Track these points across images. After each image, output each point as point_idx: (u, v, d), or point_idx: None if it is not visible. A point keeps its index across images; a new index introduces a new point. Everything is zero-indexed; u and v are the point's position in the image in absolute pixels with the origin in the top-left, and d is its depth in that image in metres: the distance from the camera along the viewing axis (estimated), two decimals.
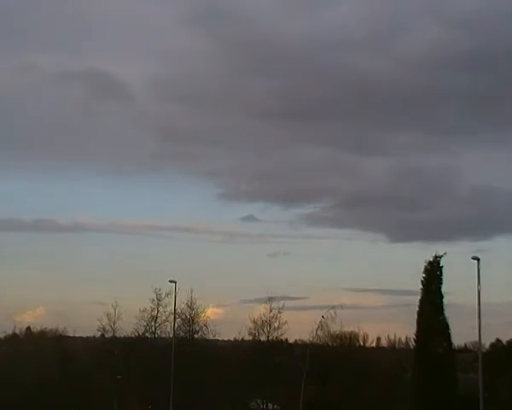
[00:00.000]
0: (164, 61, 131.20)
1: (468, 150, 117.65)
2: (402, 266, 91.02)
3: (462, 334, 67.99)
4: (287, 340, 66.84)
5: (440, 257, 51.35)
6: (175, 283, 57.27)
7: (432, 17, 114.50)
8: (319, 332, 58.45)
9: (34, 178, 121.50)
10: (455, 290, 59.95)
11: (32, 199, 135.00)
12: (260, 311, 62.97)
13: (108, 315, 69.95)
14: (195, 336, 65.21)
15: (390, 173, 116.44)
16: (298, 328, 65.64)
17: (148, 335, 66.69)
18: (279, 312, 62.12)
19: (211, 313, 67.13)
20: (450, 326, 50.77)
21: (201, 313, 64.55)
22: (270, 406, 65.28)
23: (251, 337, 64.78)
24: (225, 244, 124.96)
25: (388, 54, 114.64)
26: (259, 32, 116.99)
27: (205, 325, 64.64)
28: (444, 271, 51.38)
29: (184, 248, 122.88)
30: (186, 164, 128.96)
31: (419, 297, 51.35)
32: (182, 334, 64.33)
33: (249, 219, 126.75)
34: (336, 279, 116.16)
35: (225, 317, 79.82)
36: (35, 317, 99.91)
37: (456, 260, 58.58)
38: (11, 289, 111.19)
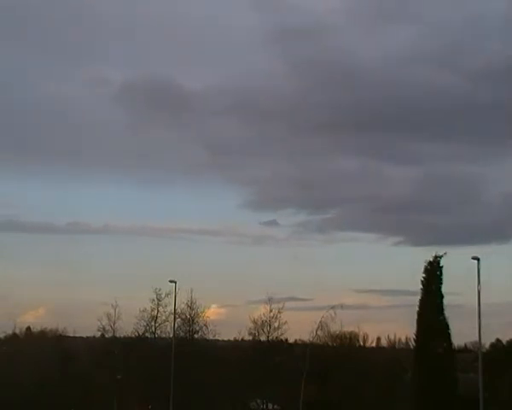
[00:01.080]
0: (228, 74, 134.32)
1: (496, 160, 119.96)
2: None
3: (462, 334, 67.99)
4: (287, 340, 66.89)
5: (440, 257, 51.40)
6: (175, 283, 57.37)
7: None
8: (319, 332, 58.67)
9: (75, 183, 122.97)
10: (455, 290, 60.17)
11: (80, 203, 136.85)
12: (261, 311, 63.06)
13: (108, 315, 70.06)
14: (195, 336, 65.24)
15: (419, 181, 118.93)
16: (300, 328, 65.51)
17: (148, 335, 66.71)
18: (279, 312, 62.21)
19: (212, 312, 67.22)
20: (450, 326, 50.93)
21: (201, 312, 64.69)
22: (270, 406, 65.29)
23: (251, 337, 64.85)
24: (245, 247, 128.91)
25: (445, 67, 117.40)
26: (322, 48, 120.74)
27: (205, 325, 64.72)
28: (444, 271, 51.52)
29: (208, 250, 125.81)
30: (225, 173, 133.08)
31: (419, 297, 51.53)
32: (182, 334, 64.35)
33: (273, 223, 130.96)
34: (351, 281, 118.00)
35: (233, 317, 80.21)
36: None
37: (456, 261, 58.58)
38: (45, 290, 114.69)
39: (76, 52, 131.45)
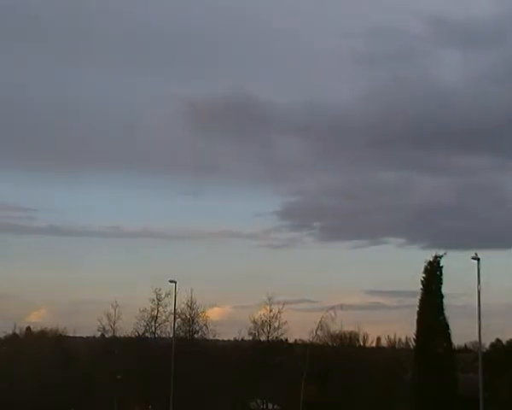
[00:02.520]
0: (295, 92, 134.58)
1: None
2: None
3: (462, 334, 67.94)
4: (287, 340, 66.91)
5: (440, 257, 51.36)
6: (175, 283, 57.40)
7: None
8: (319, 332, 58.64)
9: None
10: (455, 290, 60.21)
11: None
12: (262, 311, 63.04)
13: (108, 315, 70.09)
14: (195, 336, 65.26)
15: (451, 190, 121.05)
16: (302, 328, 65.34)
17: (148, 335, 66.74)
18: (279, 312, 62.22)
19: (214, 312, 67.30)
20: (450, 326, 50.92)
21: (202, 312, 64.77)
22: (270, 406, 65.30)
23: (251, 337, 64.86)
24: (276, 250, 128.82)
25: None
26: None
27: (205, 325, 64.77)
28: (444, 271, 51.51)
29: (240, 252, 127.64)
30: (277, 185, 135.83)
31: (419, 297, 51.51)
32: (182, 334, 64.38)
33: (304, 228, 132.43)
34: (368, 283, 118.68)
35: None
36: None
37: (457, 261, 58.58)
38: (46, 290, 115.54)
39: (155, 67, 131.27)
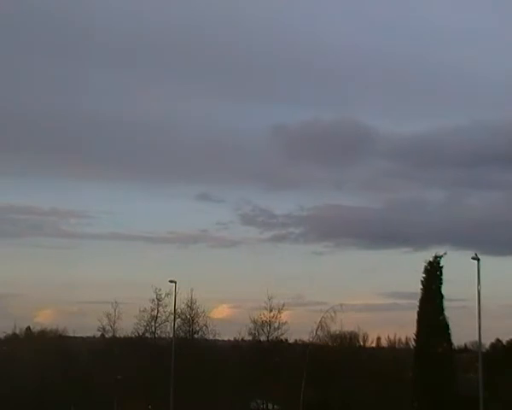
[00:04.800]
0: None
1: None
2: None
3: (462, 334, 68.03)
4: (287, 340, 66.83)
5: (440, 257, 51.44)
6: (175, 283, 57.37)
7: None
8: (319, 332, 58.64)
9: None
10: (455, 290, 60.19)
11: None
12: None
13: (108, 315, 70.09)
14: (195, 336, 65.24)
15: (493, 204, 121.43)
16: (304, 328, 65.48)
17: (148, 335, 66.73)
18: (279, 312, 62.18)
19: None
20: (450, 326, 50.95)
21: (202, 312, 64.76)
22: (270, 406, 65.23)
23: (251, 337, 64.81)
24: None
25: None
26: None
27: (205, 325, 64.76)
28: (444, 271, 51.54)
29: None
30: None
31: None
32: (182, 334, 64.36)
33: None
34: (386, 285, 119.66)
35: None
36: None
37: (457, 261, 58.65)
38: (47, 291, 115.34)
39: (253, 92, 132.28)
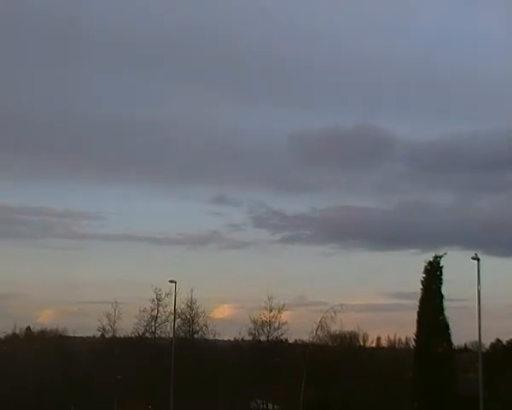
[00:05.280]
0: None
1: None
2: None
3: (462, 334, 68.07)
4: (287, 340, 66.84)
5: (440, 257, 51.44)
6: (175, 283, 57.38)
7: None
8: (319, 332, 58.66)
9: None
10: (455, 290, 60.22)
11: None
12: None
13: (108, 315, 70.10)
14: (195, 336, 65.24)
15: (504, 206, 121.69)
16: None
17: (148, 335, 66.74)
18: (279, 312, 62.19)
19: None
20: (450, 326, 50.95)
21: (202, 312, 64.78)
22: (270, 406, 65.24)
23: (251, 337, 64.82)
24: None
25: None
26: None
27: (205, 325, 64.77)
28: (444, 271, 51.54)
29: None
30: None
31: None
32: (182, 334, 64.37)
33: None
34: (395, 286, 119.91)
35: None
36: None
37: (457, 261, 58.64)
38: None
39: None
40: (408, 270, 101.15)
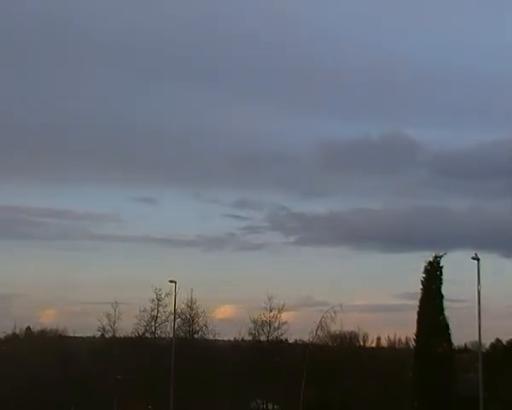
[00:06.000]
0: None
1: None
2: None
3: (462, 334, 68.08)
4: (287, 340, 66.84)
5: (440, 257, 51.44)
6: (175, 283, 57.42)
7: None
8: (319, 332, 58.69)
9: None
10: (455, 290, 60.24)
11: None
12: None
13: (108, 315, 70.09)
14: (195, 336, 65.25)
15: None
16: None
17: (148, 335, 66.74)
18: (279, 312, 62.20)
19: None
20: (450, 326, 50.96)
21: (202, 312, 64.79)
22: (270, 406, 65.25)
23: (251, 337, 64.81)
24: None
25: None
26: None
27: (205, 325, 64.78)
28: (444, 271, 51.55)
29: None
30: None
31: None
32: (182, 334, 64.38)
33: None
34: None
35: None
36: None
37: (457, 261, 58.66)
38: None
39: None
40: (418, 271, 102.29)
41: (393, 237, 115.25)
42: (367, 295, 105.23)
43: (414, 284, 52.55)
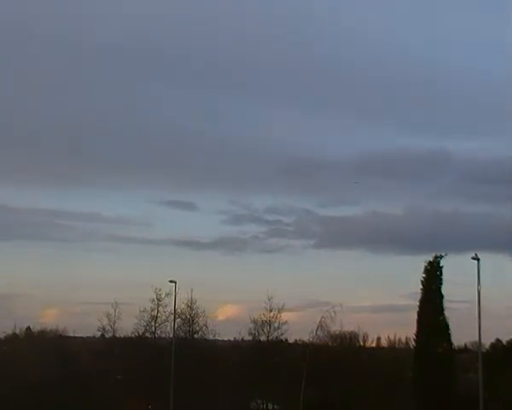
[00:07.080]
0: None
1: None
2: None
3: (462, 334, 68.06)
4: (287, 340, 66.87)
5: (440, 258, 51.49)
6: (175, 283, 57.44)
7: None
8: (319, 332, 58.71)
9: None
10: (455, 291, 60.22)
11: None
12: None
13: (108, 315, 70.08)
14: (195, 336, 65.28)
15: None
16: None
17: (148, 335, 66.75)
18: (279, 312, 62.25)
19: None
20: (450, 326, 51.00)
21: (202, 312, 64.82)
22: (270, 406, 65.27)
23: (251, 337, 64.85)
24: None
25: None
26: None
27: (205, 325, 64.82)
28: (444, 271, 51.59)
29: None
30: None
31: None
32: (182, 334, 64.41)
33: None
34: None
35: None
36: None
37: (457, 261, 58.65)
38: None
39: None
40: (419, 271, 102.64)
41: (409, 240, 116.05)
42: (371, 296, 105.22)
43: (415, 284, 52.65)
